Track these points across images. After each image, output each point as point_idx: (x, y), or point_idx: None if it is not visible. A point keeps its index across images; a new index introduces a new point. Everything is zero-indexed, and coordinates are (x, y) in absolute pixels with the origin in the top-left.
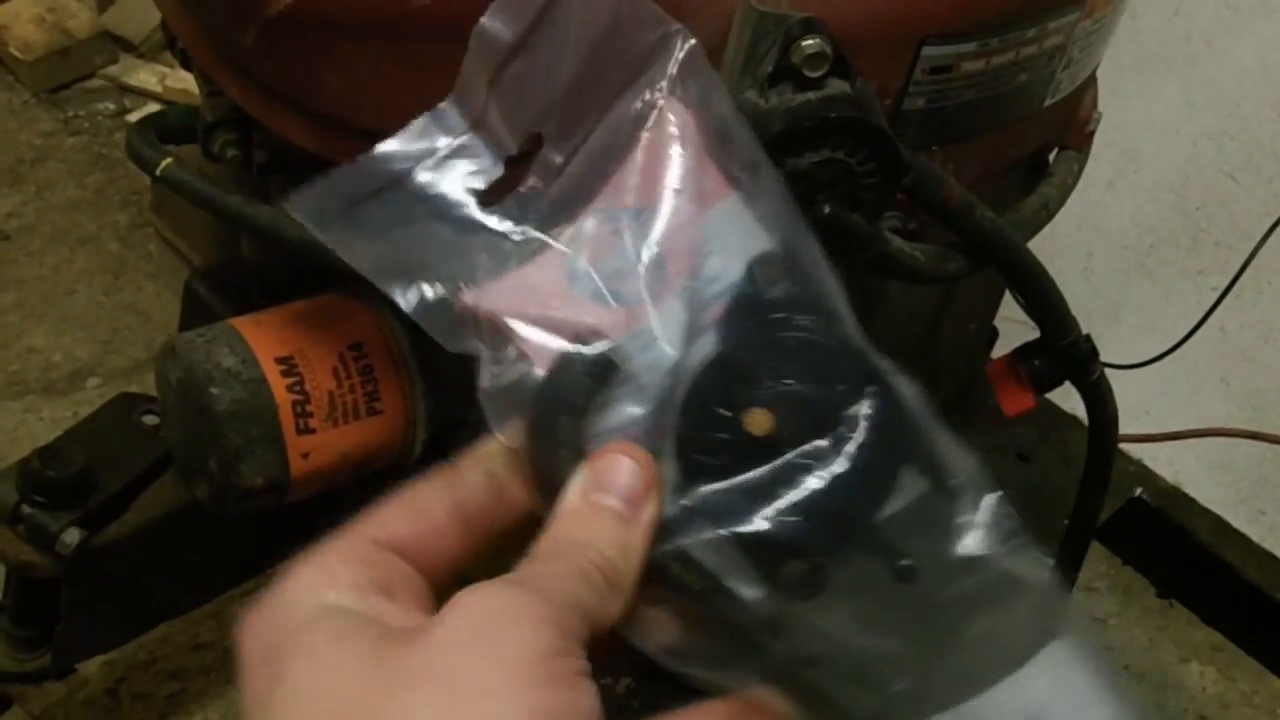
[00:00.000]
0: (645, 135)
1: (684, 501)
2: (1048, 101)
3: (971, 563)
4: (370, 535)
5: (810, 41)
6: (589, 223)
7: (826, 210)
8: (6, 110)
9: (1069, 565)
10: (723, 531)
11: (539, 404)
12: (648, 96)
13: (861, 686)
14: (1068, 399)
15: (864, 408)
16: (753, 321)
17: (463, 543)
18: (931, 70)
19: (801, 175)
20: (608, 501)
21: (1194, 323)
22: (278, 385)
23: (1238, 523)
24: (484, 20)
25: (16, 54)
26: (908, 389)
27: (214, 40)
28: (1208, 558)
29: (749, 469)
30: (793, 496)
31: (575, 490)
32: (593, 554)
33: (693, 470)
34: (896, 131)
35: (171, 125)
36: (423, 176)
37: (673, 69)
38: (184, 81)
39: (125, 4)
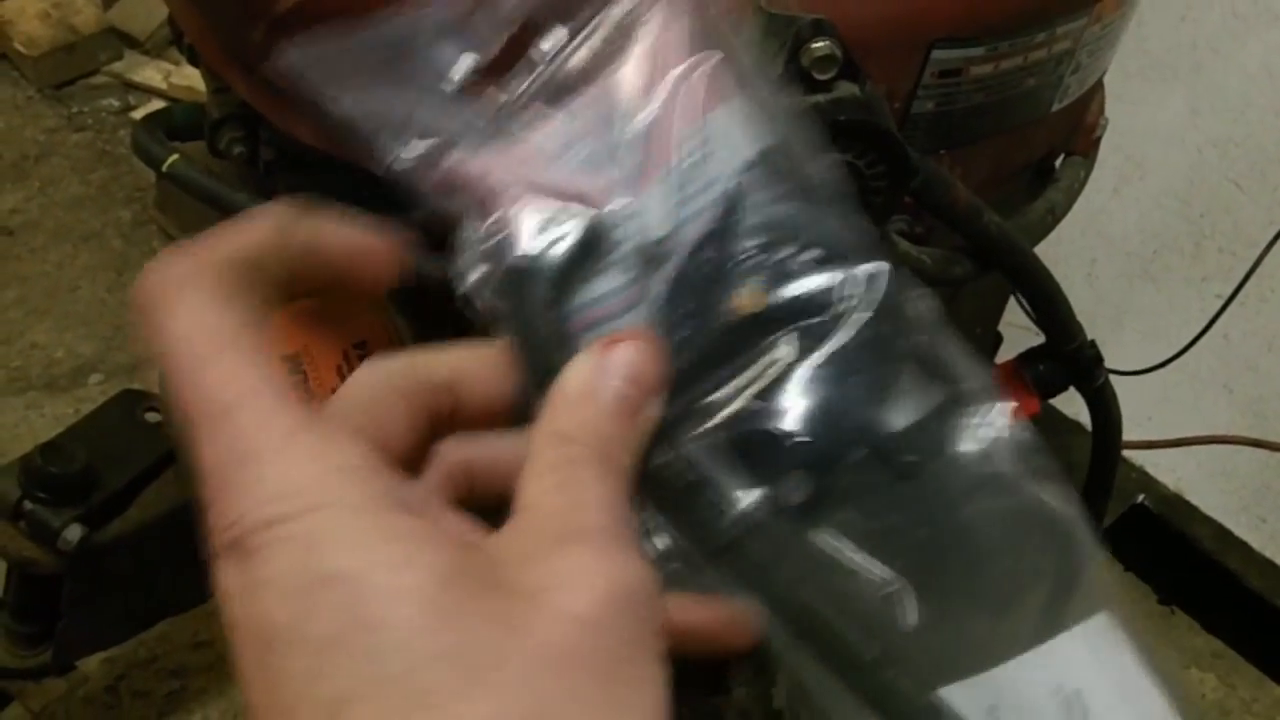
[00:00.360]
0: (648, 26)
1: (678, 393)
2: (1055, 107)
3: (984, 478)
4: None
5: (820, 44)
6: (585, 100)
7: None
8: (11, 106)
9: None
10: (715, 426)
11: (521, 270)
12: None
13: (863, 621)
14: (1070, 404)
15: (865, 287)
16: (748, 204)
17: (416, 438)
18: (940, 74)
19: None
20: (626, 390)
21: (1197, 329)
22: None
23: (1239, 530)
24: None
25: (21, 49)
26: (915, 283)
27: (221, 37)
28: (1209, 565)
29: (740, 351)
30: (788, 380)
31: (586, 369)
32: (614, 452)
33: (680, 352)
34: (905, 135)
35: (178, 122)
36: (418, 44)
37: None
38: (189, 78)
39: (130, 0)
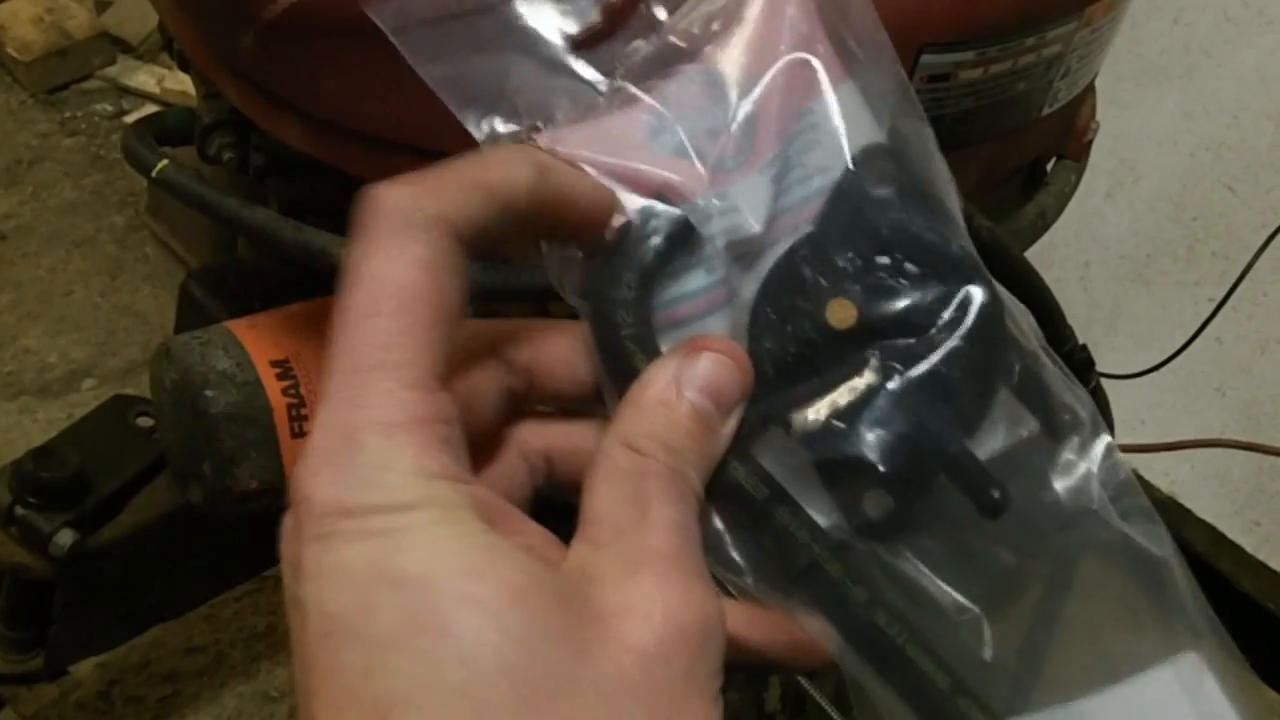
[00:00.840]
0: (760, 2)
1: (759, 402)
2: (1046, 111)
3: (1075, 514)
4: (414, 380)
5: None
6: (684, 81)
7: None
8: (4, 111)
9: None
10: (796, 443)
11: (608, 259)
12: None
13: (942, 649)
14: None
15: (962, 312)
16: (849, 208)
17: (496, 418)
18: (930, 79)
19: None
20: (703, 404)
21: (1190, 332)
22: (273, 388)
23: (1233, 533)
24: None
25: (14, 54)
26: (1017, 306)
27: (212, 43)
28: (1202, 568)
29: (826, 365)
30: (874, 402)
31: (665, 379)
32: (685, 468)
33: (763, 360)
34: None
35: (169, 127)
36: (516, 6)
37: None
38: (182, 83)
39: (124, 5)
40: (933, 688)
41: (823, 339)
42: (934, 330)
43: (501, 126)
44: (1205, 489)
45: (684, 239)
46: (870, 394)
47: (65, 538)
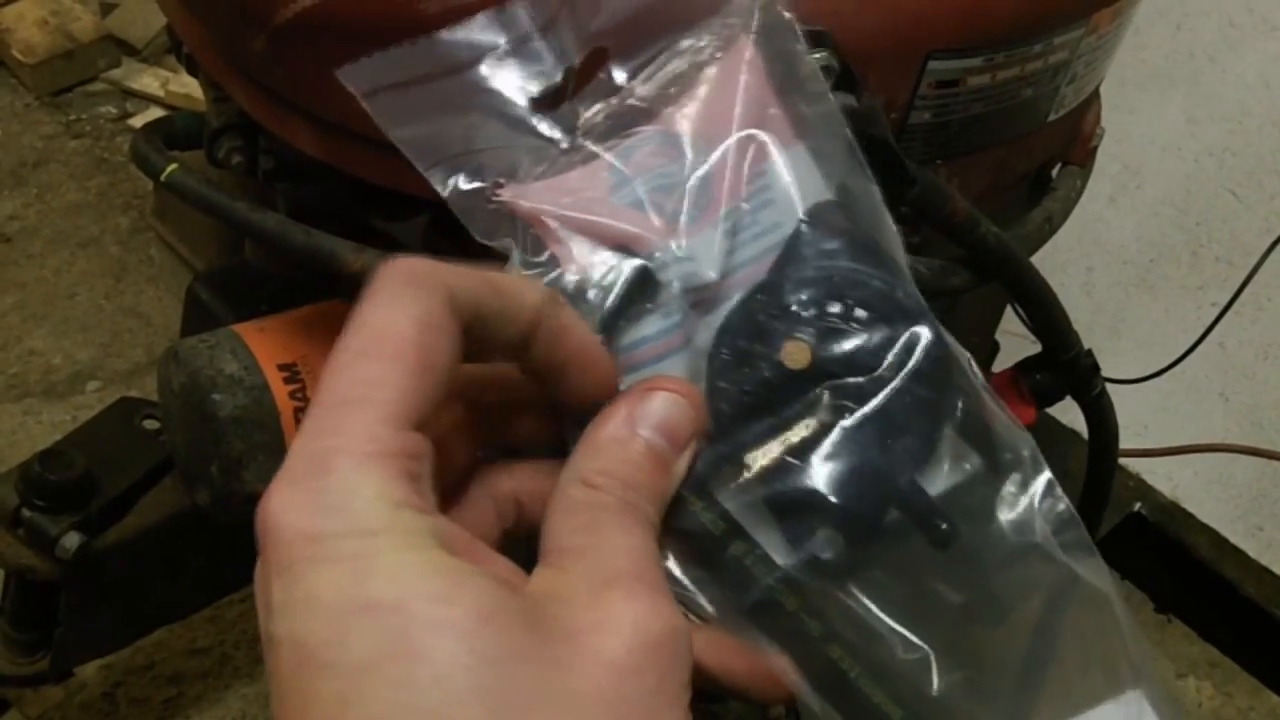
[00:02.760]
0: (715, 68)
1: (716, 442)
2: (1052, 117)
3: (1020, 547)
4: (391, 417)
5: (817, 55)
6: (643, 140)
7: None
8: (9, 113)
9: None
10: (752, 479)
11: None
12: (723, 32)
13: (890, 683)
14: (1066, 413)
15: (908, 353)
16: (801, 258)
17: (454, 418)
18: (938, 85)
19: None
20: (657, 442)
21: (1194, 338)
22: (280, 392)
23: (1235, 538)
24: None
25: (19, 57)
26: (961, 351)
27: (221, 46)
28: (1206, 573)
29: (781, 404)
30: (826, 439)
31: (620, 417)
32: (640, 501)
33: (720, 400)
34: (902, 145)
35: (177, 131)
36: (480, 69)
37: (751, 9)
38: (186, 86)
39: (129, 8)
40: (886, 718)
41: (778, 379)
42: (882, 369)
43: (465, 184)
44: (1208, 494)
45: (642, 286)
46: (822, 431)
47: (72, 540)
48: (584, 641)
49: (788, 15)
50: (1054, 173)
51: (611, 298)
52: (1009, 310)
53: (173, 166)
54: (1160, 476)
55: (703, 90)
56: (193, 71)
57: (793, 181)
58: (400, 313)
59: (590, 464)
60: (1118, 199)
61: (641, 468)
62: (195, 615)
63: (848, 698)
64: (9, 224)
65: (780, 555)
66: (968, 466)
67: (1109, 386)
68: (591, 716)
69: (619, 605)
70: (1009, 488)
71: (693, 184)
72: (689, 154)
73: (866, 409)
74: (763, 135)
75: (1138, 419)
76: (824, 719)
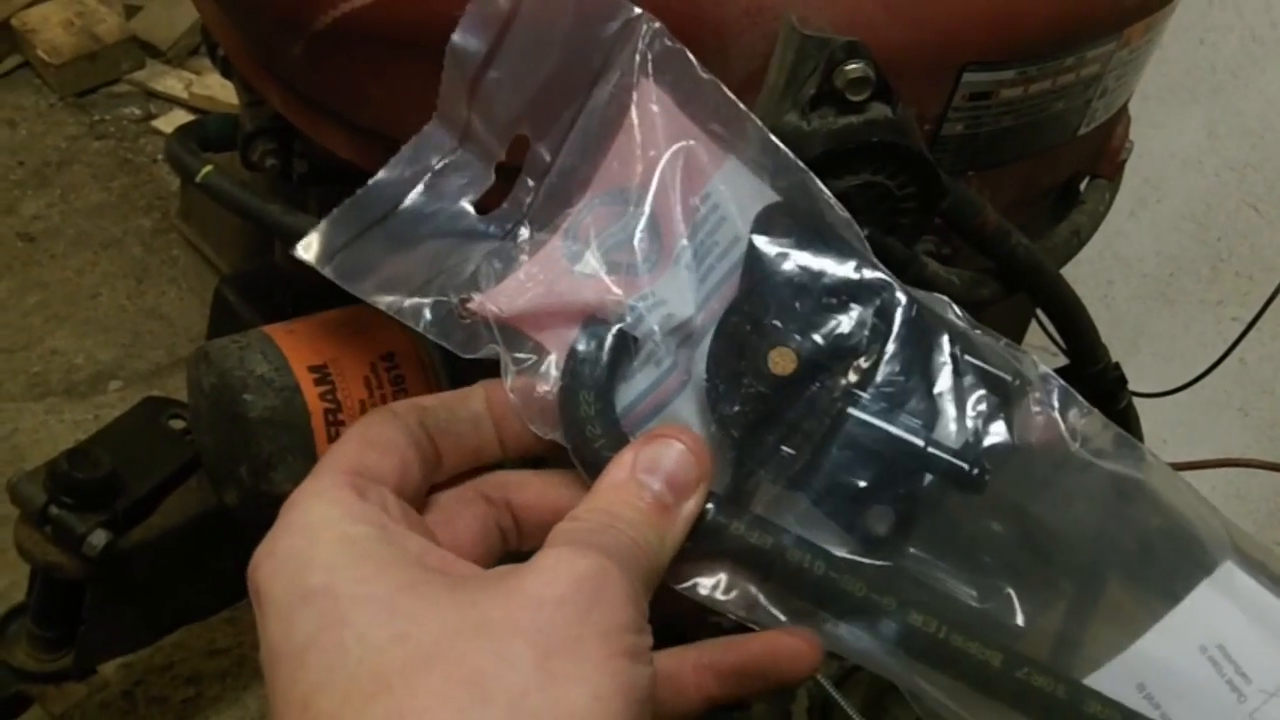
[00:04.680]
0: (626, 117)
1: (742, 464)
2: (1083, 130)
3: (1057, 462)
4: (350, 468)
5: (854, 66)
6: (584, 208)
7: (865, 233)
8: (34, 113)
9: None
10: (785, 489)
11: (564, 390)
12: (621, 81)
13: (976, 632)
14: None
15: (885, 320)
16: (761, 269)
17: (424, 478)
18: (971, 96)
19: (841, 198)
20: (652, 484)
21: (1213, 352)
22: (310, 394)
23: None
24: (455, 37)
25: (45, 57)
26: (938, 299)
27: (258, 51)
28: None
29: (785, 411)
30: (840, 429)
31: (623, 465)
32: (634, 532)
33: (729, 425)
34: (934, 155)
35: (210, 133)
36: (417, 198)
37: (641, 50)
38: (210, 87)
39: (153, 10)
40: (987, 665)
41: (774, 390)
42: (866, 344)
43: (433, 313)
44: (1226, 508)
45: (624, 347)
46: (833, 423)
47: (99, 538)
48: (512, 583)
49: (674, 44)
50: (1082, 186)
51: (599, 370)
52: (1033, 321)
53: (208, 169)
54: None
55: (623, 140)
56: (227, 74)
57: (733, 196)
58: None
59: (593, 514)
60: (1138, 212)
61: (642, 511)
62: (214, 616)
63: (942, 658)
64: (33, 224)
65: (837, 546)
66: (978, 407)
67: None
68: (505, 643)
69: (556, 554)
70: (1029, 408)
71: (641, 231)
72: (630, 205)
73: (864, 389)
74: (691, 161)
75: (1156, 433)
76: (924, 686)
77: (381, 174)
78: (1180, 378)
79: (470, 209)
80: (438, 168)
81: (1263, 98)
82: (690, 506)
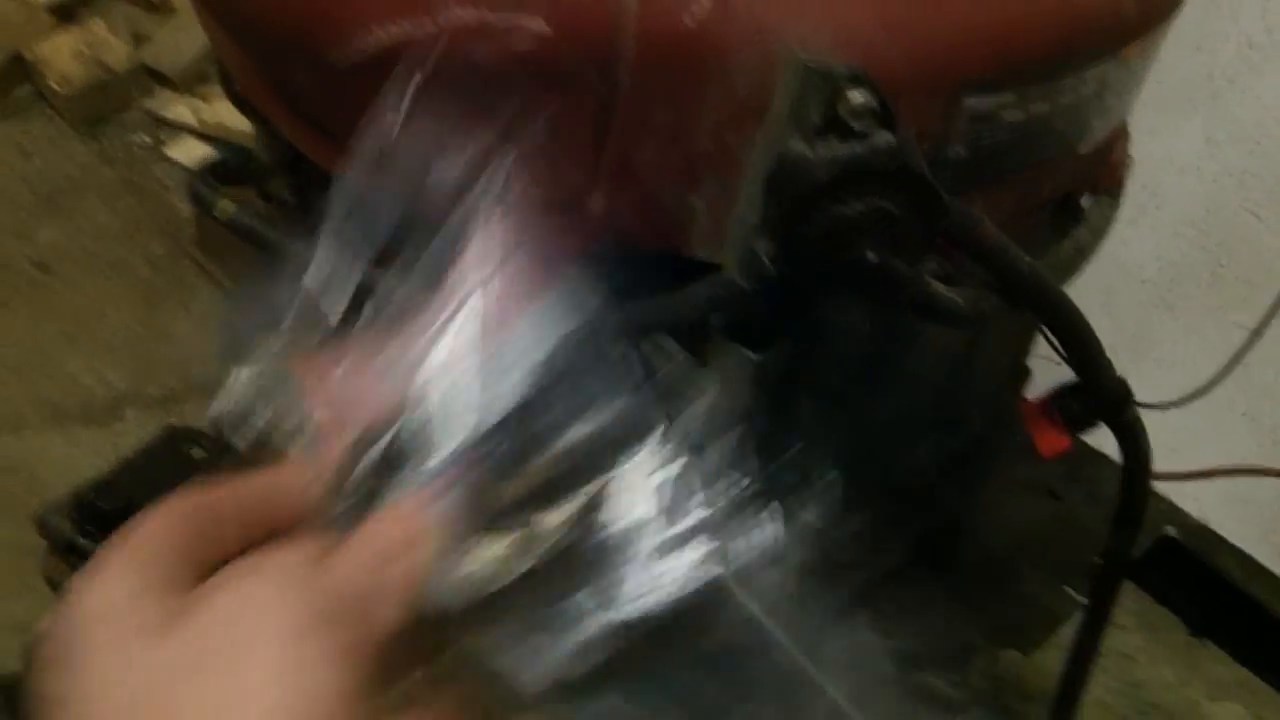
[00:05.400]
0: (463, 241)
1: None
2: (1082, 148)
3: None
4: (159, 533)
5: (856, 94)
6: (403, 316)
7: (871, 256)
8: (45, 142)
9: (1102, 603)
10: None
11: (336, 473)
12: (465, 208)
13: None
14: (1095, 435)
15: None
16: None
17: (239, 544)
18: (972, 119)
19: (847, 222)
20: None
21: (1216, 357)
22: None
23: (1263, 559)
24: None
25: (56, 87)
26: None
27: (278, 87)
28: (1236, 595)
29: (516, 527)
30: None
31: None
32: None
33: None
34: (936, 176)
35: (230, 168)
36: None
37: (487, 180)
38: (218, 114)
39: (162, 38)
40: None
41: (512, 506)
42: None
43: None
44: (1232, 515)
45: (402, 454)
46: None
47: None
48: (194, 615)
49: (518, 177)
50: (1084, 202)
51: (369, 474)
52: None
53: (228, 205)
54: (1186, 498)
55: (461, 260)
56: (242, 108)
57: (542, 322)
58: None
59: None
60: (1137, 220)
61: (367, 574)
62: None
63: None
64: (46, 251)
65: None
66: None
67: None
68: (229, 664)
69: (218, 582)
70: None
71: (446, 342)
72: (442, 320)
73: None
74: (511, 286)
75: (1162, 440)
76: None
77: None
78: (1183, 384)
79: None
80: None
81: (1260, 104)
82: (409, 565)
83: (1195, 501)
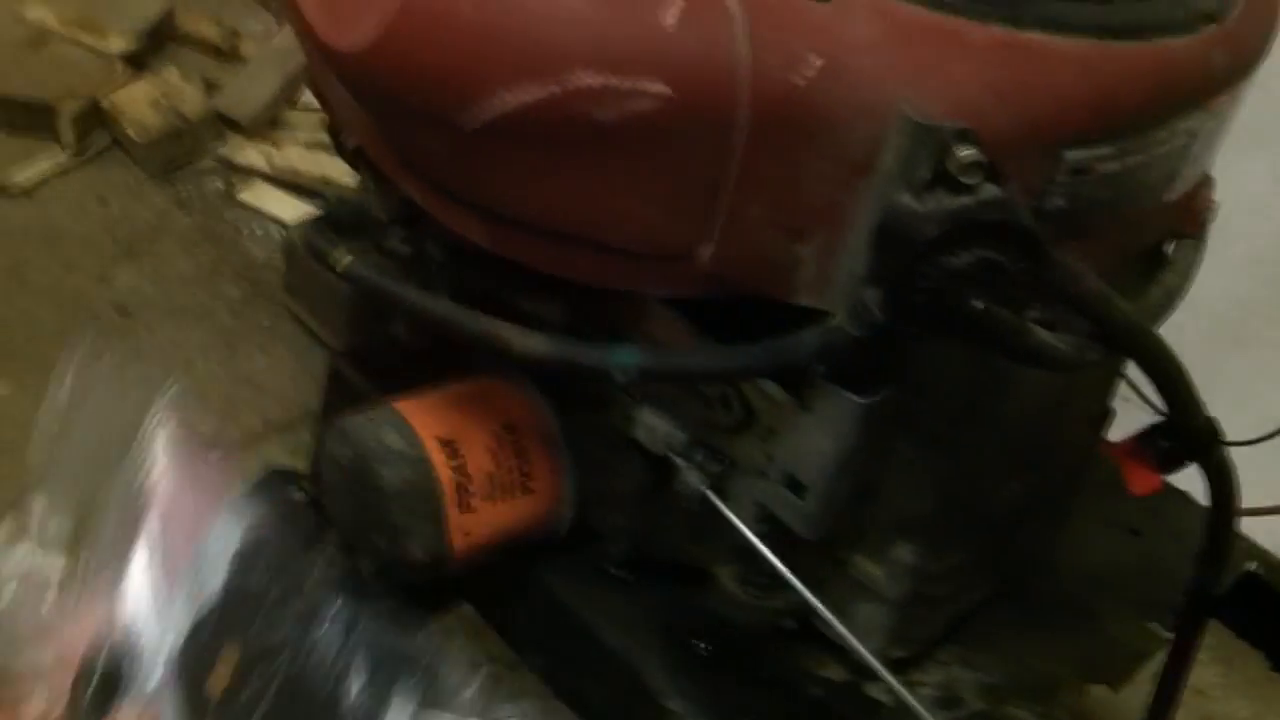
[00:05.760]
0: (147, 489)
1: None
2: (1172, 195)
3: None
4: None
5: (966, 151)
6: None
7: (980, 307)
8: (123, 189)
9: (1187, 640)
10: None
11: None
12: (146, 464)
13: None
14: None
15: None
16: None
17: None
18: (1071, 172)
19: (955, 273)
20: None
21: None
22: (441, 465)
23: None
24: None
25: (134, 136)
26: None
27: (398, 147)
28: None
29: None
30: None
31: None
32: None
33: None
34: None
35: (339, 220)
36: None
37: (161, 437)
38: (290, 160)
39: (233, 86)
40: None
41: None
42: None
43: None
44: None
45: (115, 678)
46: None
47: None
48: None
49: (188, 434)
50: (1170, 247)
51: (93, 691)
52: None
53: (349, 259)
54: (1262, 533)
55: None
56: (355, 165)
57: (220, 549)
58: None
59: None
60: (1206, 258)
61: None
62: None
63: None
64: (128, 297)
65: None
66: None
67: None
68: None
69: None
70: None
71: (142, 573)
72: (137, 554)
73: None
74: (190, 519)
75: (1243, 477)
76: None
77: None
78: (1256, 421)
79: None
80: None
81: None
82: None
83: (1271, 538)
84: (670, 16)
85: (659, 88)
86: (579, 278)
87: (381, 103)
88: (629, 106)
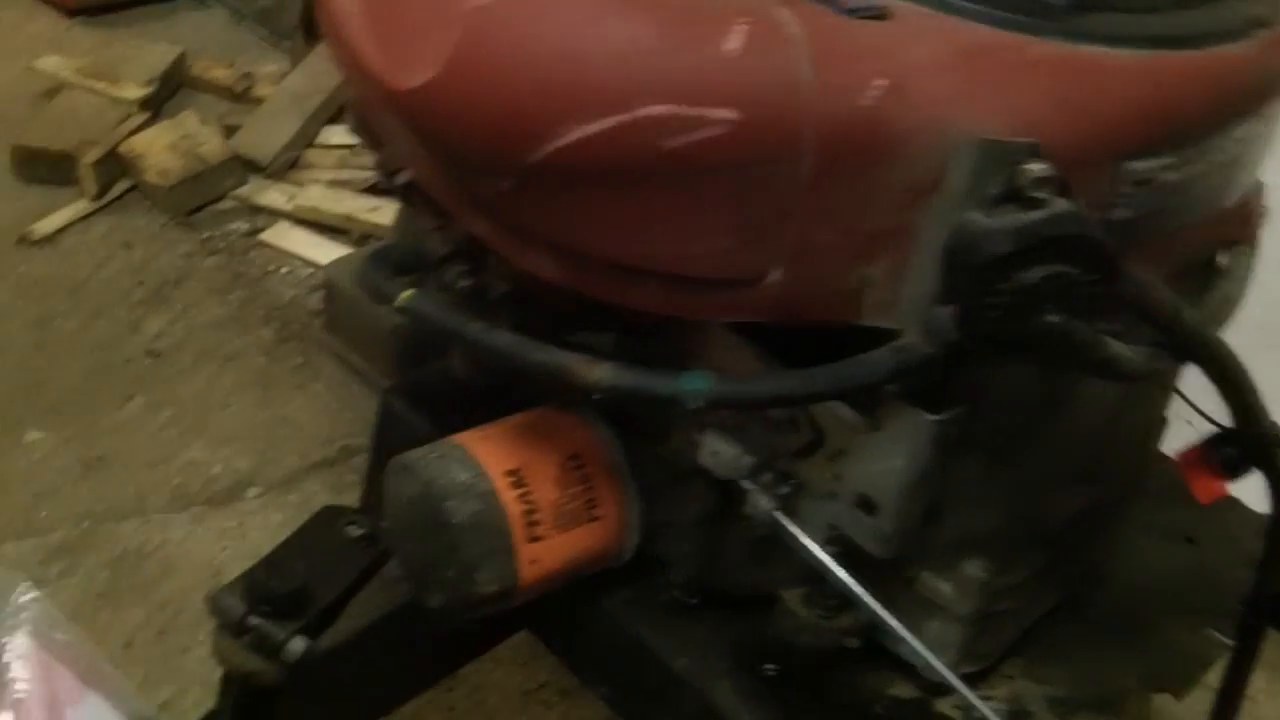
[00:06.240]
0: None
1: None
2: (1229, 202)
3: None
4: None
5: (1036, 166)
6: None
7: (1055, 321)
8: (147, 235)
9: (1248, 646)
10: None
11: None
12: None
13: None
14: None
15: None
16: None
17: None
18: (1135, 183)
19: (1029, 287)
20: None
21: None
22: (508, 497)
23: None
24: None
25: (156, 181)
26: None
27: (460, 183)
28: None
29: None
30: None
31: None
32: None
33: None
34: None
35: (397, 258)
36: None
37: (15, 611)
38: (311, 199)
39: (252, 128)
40: None
41: None
42: None
43: None
44: None
45: None
46: None
47: (297, 645)
48: None
49: (45, 605)
50: (1219, 255)
51: None
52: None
53: (409, 293)
54: None
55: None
56: (406, 199)
57: None
58: None
59: None
60: None
61: None
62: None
63: None
64: (158, 341)
65: None
66: None
67: None
68: None
69: None
70: None
71: None
72: None
73: None
74: (56, 695)
75: None
76: None
77: None
78: None
79: None
80: None
81: None
82: None
83: None
84: (734, 43)
85: (726, 113)
86: (648, 308)
87: (443, 139)
88: (697, 134)
